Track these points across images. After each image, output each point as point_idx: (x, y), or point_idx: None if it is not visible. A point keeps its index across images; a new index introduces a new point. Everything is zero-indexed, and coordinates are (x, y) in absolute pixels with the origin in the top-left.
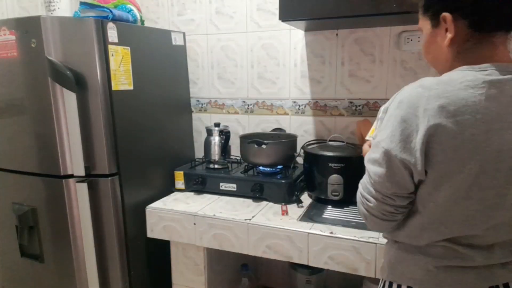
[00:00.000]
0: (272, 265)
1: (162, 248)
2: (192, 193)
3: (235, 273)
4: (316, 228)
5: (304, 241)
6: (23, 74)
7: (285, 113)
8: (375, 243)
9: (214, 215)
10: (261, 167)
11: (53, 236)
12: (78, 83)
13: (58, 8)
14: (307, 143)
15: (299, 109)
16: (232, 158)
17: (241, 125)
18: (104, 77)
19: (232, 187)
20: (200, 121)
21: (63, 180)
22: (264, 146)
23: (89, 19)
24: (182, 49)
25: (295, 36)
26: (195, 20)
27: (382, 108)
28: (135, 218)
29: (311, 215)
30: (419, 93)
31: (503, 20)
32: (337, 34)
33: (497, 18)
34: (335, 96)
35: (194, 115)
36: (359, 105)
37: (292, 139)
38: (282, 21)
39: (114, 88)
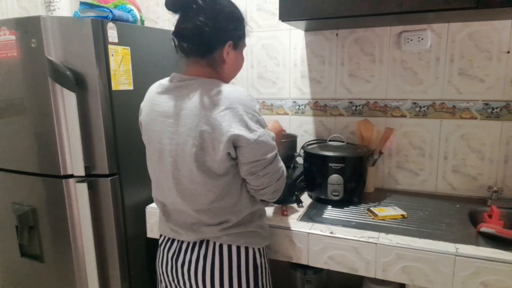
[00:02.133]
0: (272, 265)
1: None
2: None
3: None
4: (316, 228)
5: (304, 241)
6: (23, 74)
7: (285, 113)
8: (375, 243)
9: None
10: None
11: (53, 236)
12: (78, 83)
13: (58, 8)
14: (307, 143)
15: (299, 109)
16: None
17: None
18: (104, 77)
19: None
20: None
21: (63, 180)
22: None
23: (89, 19)
24: None
25: (295, 36)
26: None
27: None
28: (135, 218)
29: (311, 215)
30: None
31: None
32: (337, 34)
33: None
34: (335, 96)
35: None
36: (359, 105)
37: (292, 139)
38: (282, 21)
39: (114, 88)
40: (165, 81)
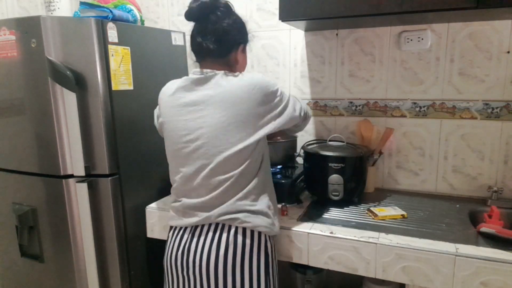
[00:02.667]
0: None
1: (162, 248)
2: None
3: None
4: (316, 228)
5: (304, 241)
6: (23, 74)
7: None
8: (375, 243)
9: None
10: None
11: (53, 236)
12: (78, 83)
13: (58, 8)
14: (307, 143)
15: None
16: None
17: None
18: (104, 77)
19: None
20: None
21: (63, 180)
22: None
23: (89, 19)
24: (182, 49)
25: (295, 36)
26: None
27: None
28: (135, 218)
29: (311, 215)
30: None
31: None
32: (337, 34)
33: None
34: (335, 96)
35: None
36: (359, 105)
37: (292, 139)
38: (282, 21)
39: (114, 88)
40: (185, 76)
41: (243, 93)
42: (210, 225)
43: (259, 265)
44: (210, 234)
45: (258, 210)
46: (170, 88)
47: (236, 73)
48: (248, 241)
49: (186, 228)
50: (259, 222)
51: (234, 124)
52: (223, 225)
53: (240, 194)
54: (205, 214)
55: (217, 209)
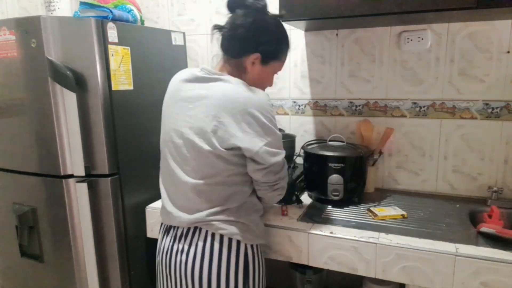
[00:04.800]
0: (272, 265)
1: None
2: None
3: None
4: (316, 228)
5: (304, 241)
6: (23, 74)
7: (285, 113)
8: (375, 243)
9: None
10: None
11: (53, 236)
12: (78, 83)
13: (58, 8)
14: (307, 143)
15: (299, 109)
16: None
17: None
18: (104, 77)
19: None
20: None
21: (63, 180)
22: None
23: (89, 19)
24: (182, 49)
25: (295, 36)
26: (195, 20)
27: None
28: (135, 218)
29: (311, 215)
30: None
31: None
32: (337, 34)
33: None
34: (335, 96)
35: None
36: (359, 105)
37: (291, 139)
38: (282, 21)
39: (114, 88)
40: (195, 70)
41: (228, 104)
42: (189, 228)
43: (237, 275)
44: (189, 238)
45: (234, 220)
46: (179, 76)
47: (241, 81)
48: (224, 250)
49: (170, 227)
50: (235, 230)
51: (210, 134)
52: (200, 230)
53: (216, 205)
54: (181, 217)
55: (192, 214)
